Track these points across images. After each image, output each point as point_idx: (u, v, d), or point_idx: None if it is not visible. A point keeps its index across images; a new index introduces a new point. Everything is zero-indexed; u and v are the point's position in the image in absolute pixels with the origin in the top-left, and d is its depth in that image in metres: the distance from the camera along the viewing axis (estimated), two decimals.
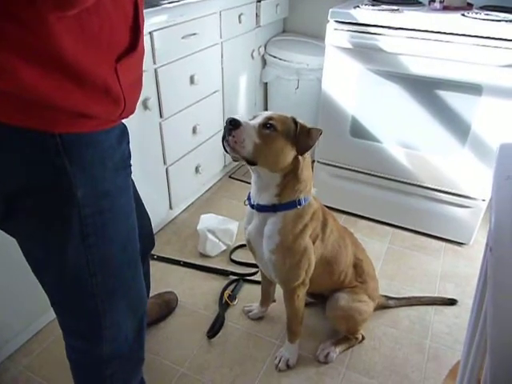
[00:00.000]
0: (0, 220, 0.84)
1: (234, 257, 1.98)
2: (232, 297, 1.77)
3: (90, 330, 0.99)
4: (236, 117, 1.14)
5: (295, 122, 1.21)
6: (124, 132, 0.91)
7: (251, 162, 1.18)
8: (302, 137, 1.19)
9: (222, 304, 1.74)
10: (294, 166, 1.22)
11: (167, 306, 1.70)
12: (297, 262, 1.31)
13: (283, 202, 1.25)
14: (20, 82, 0.66)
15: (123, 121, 0.90)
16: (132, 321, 1.04)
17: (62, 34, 0.66)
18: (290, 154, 1.19)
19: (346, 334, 1.57)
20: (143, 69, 0.91)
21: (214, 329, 1.63)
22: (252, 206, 1.31)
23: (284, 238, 1.28)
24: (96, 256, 0.87)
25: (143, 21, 0.84)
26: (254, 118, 1.22)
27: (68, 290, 0.93)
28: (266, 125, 1.16)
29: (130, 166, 0.94)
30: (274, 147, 1.17)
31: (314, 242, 1.33)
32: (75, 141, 0.76)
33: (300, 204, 1.26)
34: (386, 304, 1.73)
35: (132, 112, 0.87)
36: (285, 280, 1.38)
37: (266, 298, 1.69)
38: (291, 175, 1.23)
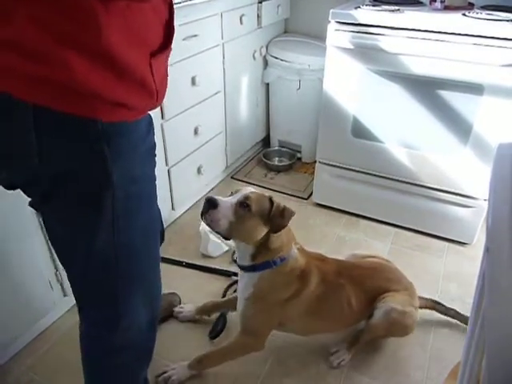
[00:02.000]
0: (40, 201, 0.88)
1: (235, 257, 1.97)
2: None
3: (107, 316, 1.02)
4: (214, 197, 1.25)
5: (271, 202, 1.29)
6: (151, 122, 0.96)
7: (225, 237, 1.30)
8: (275, 218, 1.28)
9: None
10: (268, 239, 1.32)
11: (170, 307, 1.71)
12: (259, 313, 1.41)
13: (258, 263, 1.36)
14: (70, 72, 0.71)
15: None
16: (147, 311, 1.07)
17: (110, 29, 0.71)
18: (262, 231, 1.30)
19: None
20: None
21: (216, 329, 1.63)
22: (237, 264, 1.43)
23: (257, 290, 1.38)
24: (122, 241, 0.91)
25: (173, 23, 0.90)
26: (236, 192, 1.32)
27: (92, 274, 0.96)
28: (243, 204, 1.25)
29: (155, 155, 0.99)
30: (248, 226, 1.27)
31: (290, 299, 1.40)
32: (114, 128, 0.81)
33: (275, 264, 1.35)
34: (434, 308, 1.69)
35: (160, 104, 0.93)
36: (243, 322, 1.44)
37: (209, 310, 1.68)
38: (264, 246, 1.33)
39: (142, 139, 0.89)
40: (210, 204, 1.24)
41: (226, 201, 1.26)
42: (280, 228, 1.31)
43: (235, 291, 1.78)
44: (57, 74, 0.71)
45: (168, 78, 0.95)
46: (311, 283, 1.41)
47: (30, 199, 0.90)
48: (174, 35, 0.89)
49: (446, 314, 1.67)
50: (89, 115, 0.76)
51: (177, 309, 1.70)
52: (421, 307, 1.61)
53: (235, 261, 1.49)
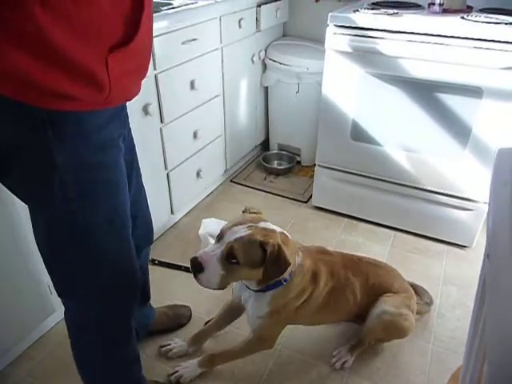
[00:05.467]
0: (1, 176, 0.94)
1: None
2: None
3: (79, 292, 1.07)
4: (198, 258, 1.18)
5: (263, 249, 1.17)
6: (116, 115, 0.97)
7: (223, 289, 1.23)
8: (270, 268, 1.19)
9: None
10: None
11: (177, 319, 1.67)
12: (274, 324, 1.40)
13: (267, 285, 1.30)
14: (10, 63, 0.74)
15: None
16: (119, 295, 1.10)
17: (50, 25, 0.73)
18: (258, 275, 1.22)
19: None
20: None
21: None
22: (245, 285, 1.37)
23: (272, 308, 1.34)
24: (80, 222, 0.96)
25: (148, 15, 0.90)
26: (224, 233, 1.21)
27: (56, 253, 1.01)
28: (229, 256, 1.17)
29: (120, 146, 1.00)
30: (239, 276, 1.25)
31: (304, 302, 1.38)
32: (60, 117, 0.84)
33: (286, 281, 1.31)
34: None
35: (126, 99, 0.98)
36: (258, 333, 1.41)
37: (201, 338, 1.59)
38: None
39: (98, 129, 0.91)
40: (195, 269, 1.19)
41: (212, 256, 1.18)
42: (276, 277, 1.25)
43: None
44: (1, 64, 0.74)
45: (143, 72, 0.98)
46: (321, 281, 1.40)
47: None
48: (146, 30, 0.90)
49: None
50: (32, 103, 0.80)
51: (164, 348, 1.57)
52: (419, 313, 1.63)
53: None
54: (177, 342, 1.58)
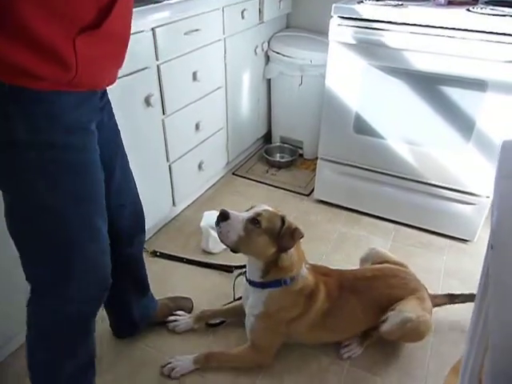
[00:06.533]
0: None
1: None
2: None
3: (43, 279, 1.05)
4: (228, 210, 1.30)
5: (283, 221, 1.33)
6: (87, 100, 0.97)
7: (233, 250, 1.35)
8: (284, 237, 1.32)
9: (235, 300, 1.70)
10: (278, 257, 1.36)
11: (179, 311, 1.66)
12: (267, 330, 1.45)
13: (268, 281, 1.40)
14: None
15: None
16: (84, 287, 1.07)
17: (24, 5, 0.75)
18: (270, 249, 1.33)
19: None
20: (124, 55, 1.01)
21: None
22: (247, 279, 1.47)
23: (266, 309, 1.42)
24: (45, 201, 0.95)
25: (125, 4, 0.91)
26: (252, 208, 1.37)
27: (20, 235, 1.01)
28: (254, 220, 1.30)
29: (91, 130, 1.00)
30: (256, 242, 1.31)
31: (298, 317, 1.43)
32: (23, 93, 0.85)
33: (286, 283, 1.39)
34: (452, 302, 1.66)
35: (97, 85, 0.98)
36: (252, 338, 1.48)
37: (207, 318, 1.64)
38: (273, 263, 1.37)
39: (64, 111, 0.91)
40: (222, 217, 1.29)
41: (238, 215, 1.31)
42: (287, 248, 1.35)
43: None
44: None
45: (116, 63, 1.00)
46: (318, 301, 1.44)
47: None
48: (117, 19, 0.90)
49: (466, 302, 1.63)
50: None
51: (171, 323, 1.62)
52: (438, 305, 1.61)
53: (245, 276, 1.49)
54: (183, 317, 1.63)
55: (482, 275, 0.73)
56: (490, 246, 0.51)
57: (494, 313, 0.48)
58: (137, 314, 1.53)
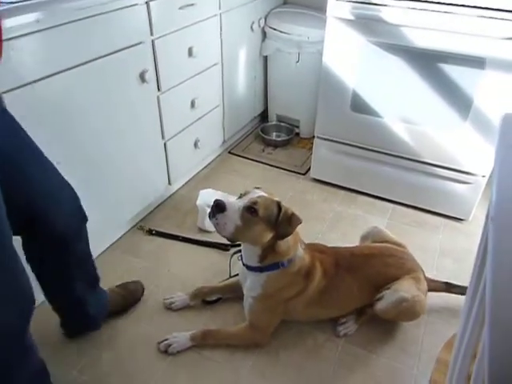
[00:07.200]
0: None
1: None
2: None
3: None
4: (223, 200, 1.28)
5: (279, 208, 1.31)
6: None
7: (231, 240, 1.33)
8: (282, 224, 1.31)
9: (231, 277, 1.71)
10: (275, 242, 1.36)
11: (132, 296, 1.63)
12: (265, 311, 1.46)
13: (266, 265, 1.40)
14: None
15: None
16: (2, 313, 0.95)
17: None
18: (268, 236, 1.33)
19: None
20: None
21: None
22: (243, 264, 1.47)
23: (265, 291, 1.43)
24: None
25: None
26: (246, 194, 1.35)
27: None
28: (250, 209, 1.28)
29: None
30: (253, 231, 1.30)
31: (296, 296, 1.45)
32: None
33: (283, 266, 1.40)
34: (448, 291, 1.64)
35: None
36: (250, 318, 1.49)
37: (204, 295, 1.64)
38: (271, 248, 1.37)
39: None
40: (218, 208, 1.27)
41: (234, 204, 1.28)
42: (285, 235, 1.34)
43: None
44: None
45: None
46: (315, 279, 1.45)
47: None
48: None
49: (462, 294, 1.56)
50: None
51: (167, 300, 1.63)
52: (434, 290, 1.61)
53: (241, 260, 1.49)
54: (180, 295, 1.64)
55: (478, 251, 0.73)
56: (490, 218, 0.51)
57: (492, 284, 0.48)
58: (93, 310, 1.45)
